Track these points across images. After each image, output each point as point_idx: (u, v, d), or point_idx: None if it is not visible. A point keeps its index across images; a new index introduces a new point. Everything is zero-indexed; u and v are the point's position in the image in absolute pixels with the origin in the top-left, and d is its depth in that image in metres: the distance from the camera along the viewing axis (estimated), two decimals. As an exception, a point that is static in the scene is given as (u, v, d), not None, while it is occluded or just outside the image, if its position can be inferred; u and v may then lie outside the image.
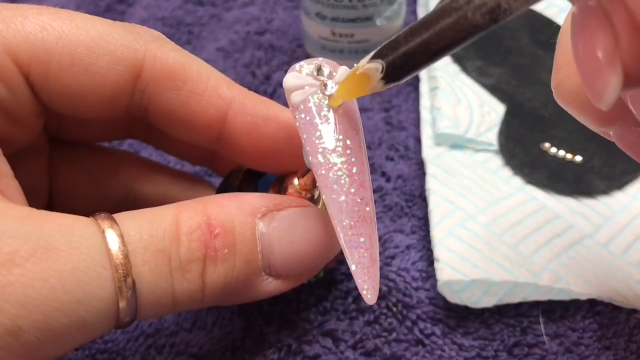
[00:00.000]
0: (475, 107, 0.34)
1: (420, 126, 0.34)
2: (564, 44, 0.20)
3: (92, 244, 0.19)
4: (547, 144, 0.32)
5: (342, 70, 0.22)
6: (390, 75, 0.19)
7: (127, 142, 0.35)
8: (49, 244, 0.18)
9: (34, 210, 0.19)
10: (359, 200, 0.21)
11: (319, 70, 0.21)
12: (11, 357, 0.18)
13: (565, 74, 0.20)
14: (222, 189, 0.26)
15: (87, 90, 0.22)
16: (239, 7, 0.45)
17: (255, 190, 0.26)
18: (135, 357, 0.26)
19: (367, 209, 0.21)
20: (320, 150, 0.21)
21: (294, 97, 0.21)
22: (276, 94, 0.38)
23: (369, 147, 0.34)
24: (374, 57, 0.19)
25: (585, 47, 0.16)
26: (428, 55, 0.18)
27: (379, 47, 0.19)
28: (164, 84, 0.22)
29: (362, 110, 0.36)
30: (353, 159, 0.21)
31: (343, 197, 0.21)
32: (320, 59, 0.22)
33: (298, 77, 0.21)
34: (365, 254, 0.21)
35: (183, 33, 0.43)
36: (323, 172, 0.21)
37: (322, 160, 0.21)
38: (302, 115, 0.21)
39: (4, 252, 0.18)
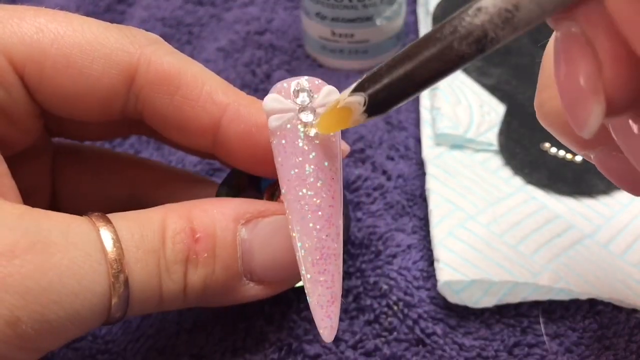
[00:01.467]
0: (475, 107, 0.34)
1: (420, 126, 0.34)
2: (547, 64, 0.20)
3: (87, 241, 0.19)
4: (547, 144, 0.32)
5: (326, 91, 0.21)
6: (373, 108, 0.18)
7: (128, 142, 0.35)
8: (47, 239, 0.18)
9: (30, 208, 0.20)
10: (324, 237, 0.21)
11: (299, 93, 0.21)
12: (8, 349, 0.18)
13: (548, 95, 0.20)
14: (225, 186, 0.26)
15: (81, 93, 0.22)
16: (239, 7, 0.45)
17: (258, 187, 0.26)
18: (136, 357, 0.26)
19: (335, 245, 0.21)
20: (289, 180, 0.21)
21: (271, 122, 0.21)
22: (276, 93, 0.38)
23: (369, 147, 0.34)
24: (355, 90, 0.18)
25: (567, 75, 0.16)
26: (412, 87, 0.17)
27: (359, 80, 0.18)
28: (157, 89, 0.22)
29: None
30: (324, 194, 0.21)
31: (308, 232, 0.20)
32: (305, 78, 0.21)
33: (277, 100, 0.21)
34: (326, 292, 0.21)
35: (183, 33, 0.43)
36: (291, 202, 0.21)
37: (290, 191, 0.21)
38: (277, 141, 0.21)
39: (3, 243, 0.18)
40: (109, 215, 0.20)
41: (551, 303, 0.27)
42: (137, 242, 0.20)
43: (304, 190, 0.21)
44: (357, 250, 0.29)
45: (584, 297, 0.27)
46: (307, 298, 0.21)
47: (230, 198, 0.23)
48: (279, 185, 0.25)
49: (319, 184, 0.21)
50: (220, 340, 0.26)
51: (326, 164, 0.21)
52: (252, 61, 0.40)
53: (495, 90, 0.36)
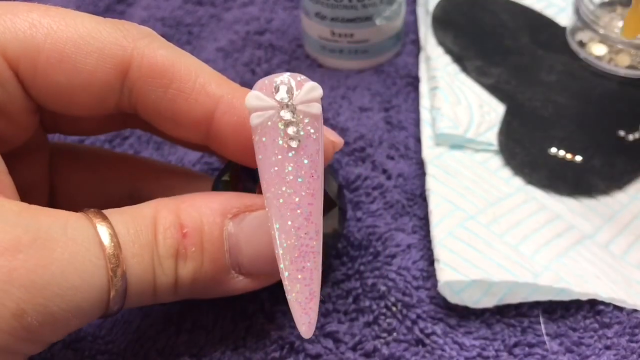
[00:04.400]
0: (475, 107, 0.34)
1: (420, 126, 0.34)
2: None
3: (86, 236, 0.20)
4: (553, 149, 0.32)
5: (307, 88, 0.21)
6: None
7: (128, 142, 0.35)
8: (47, 235, 0.19)
9: (28, 205, 0.20)
10: (303, 235, 0.21)
11: (279, 90, 0.21)
12: (13, 340, 0.18)
13: None
14: (221, 178, 0.26)
15: (75, 87, 0.22)
16: (238, 7, 0.45)
17: (254, 179, 0.26)
18: (136, 358, 0.26)
19: (313, 243, 0.21)
20: (268, 177, 0.21)
21: (253, 120, 0.21)
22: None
23: (369, 146, 0.34)
24: None
25: None
26: None
27: None
28: (151, 82, 0.22)
29: (363, 109, 0.36)
30: (303, 192, 0.21)
31: (286, 230, 0.21)
32: (287, 74, 0.21)
33: (259, 97, 0.21)
34: (304, 289, 0.21)
35: (183, 33, 0.43)
36: (270, 199, 0.21)
37: (270, 189, 0.21)
38: (258, 138, 0.21)
39: (6, 239, 0.18)
40: (106, 211, 0.21)
41: (552, 303, 0.27)
42: (133, 237, 0.21)
43: (283, 188, 0.21)
44: (356, 252, 0.29)
45: (584, 297, 0.27)
46: (286, 295, 0.21)
47: (219, 192, 0.23)
48: None
49: (298, 182, 0.21)
50: (220, 339, 0.26)
51: (306, 161, 0.21)
52: (251, 61, 0.40)
53: (495, 90, 0.36)
